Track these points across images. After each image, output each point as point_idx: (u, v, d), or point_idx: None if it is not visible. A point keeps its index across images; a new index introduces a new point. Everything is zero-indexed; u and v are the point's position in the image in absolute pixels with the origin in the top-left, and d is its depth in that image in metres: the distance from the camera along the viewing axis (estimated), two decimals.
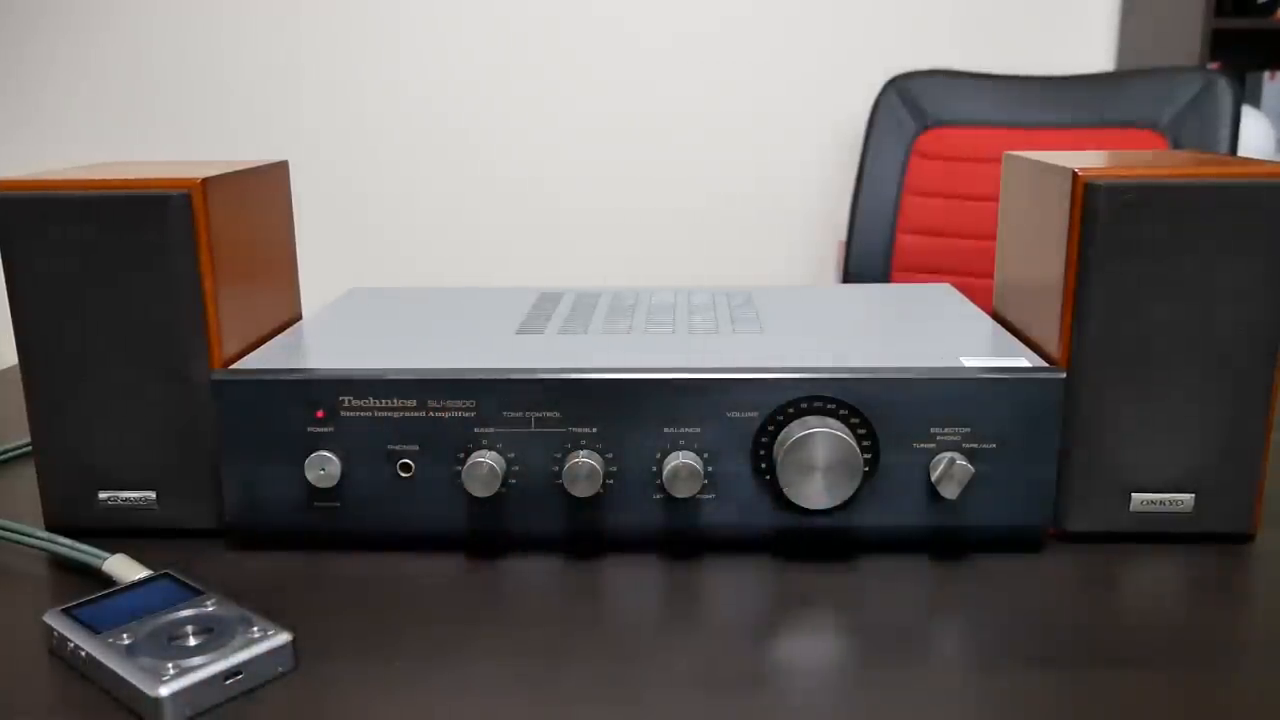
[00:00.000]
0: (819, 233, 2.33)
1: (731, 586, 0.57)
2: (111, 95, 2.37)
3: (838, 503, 0.57)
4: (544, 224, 2.38)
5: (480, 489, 0.57)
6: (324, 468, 0.58)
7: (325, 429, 0.58)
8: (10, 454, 0.76)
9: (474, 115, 2.33)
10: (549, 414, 0.58)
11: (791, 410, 0.58)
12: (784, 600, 0.55)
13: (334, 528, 0.60)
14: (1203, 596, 0.55)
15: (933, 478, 0.57)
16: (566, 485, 0.57)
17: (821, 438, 0.56)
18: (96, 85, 2.37)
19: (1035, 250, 0.64)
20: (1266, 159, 1.22)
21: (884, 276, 1.70)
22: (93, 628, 0.49)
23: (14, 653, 0.51)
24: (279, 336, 0.69)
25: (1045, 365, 0.60)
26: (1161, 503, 0.60)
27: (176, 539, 0.62)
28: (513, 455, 0.59)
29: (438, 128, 2.34)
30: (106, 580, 0.55)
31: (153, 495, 0.62)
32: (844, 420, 0.57)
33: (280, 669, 0.48)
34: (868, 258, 1.70)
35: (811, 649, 0.51)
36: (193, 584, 0.53)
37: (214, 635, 0.48)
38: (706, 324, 0.70)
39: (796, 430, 0.56)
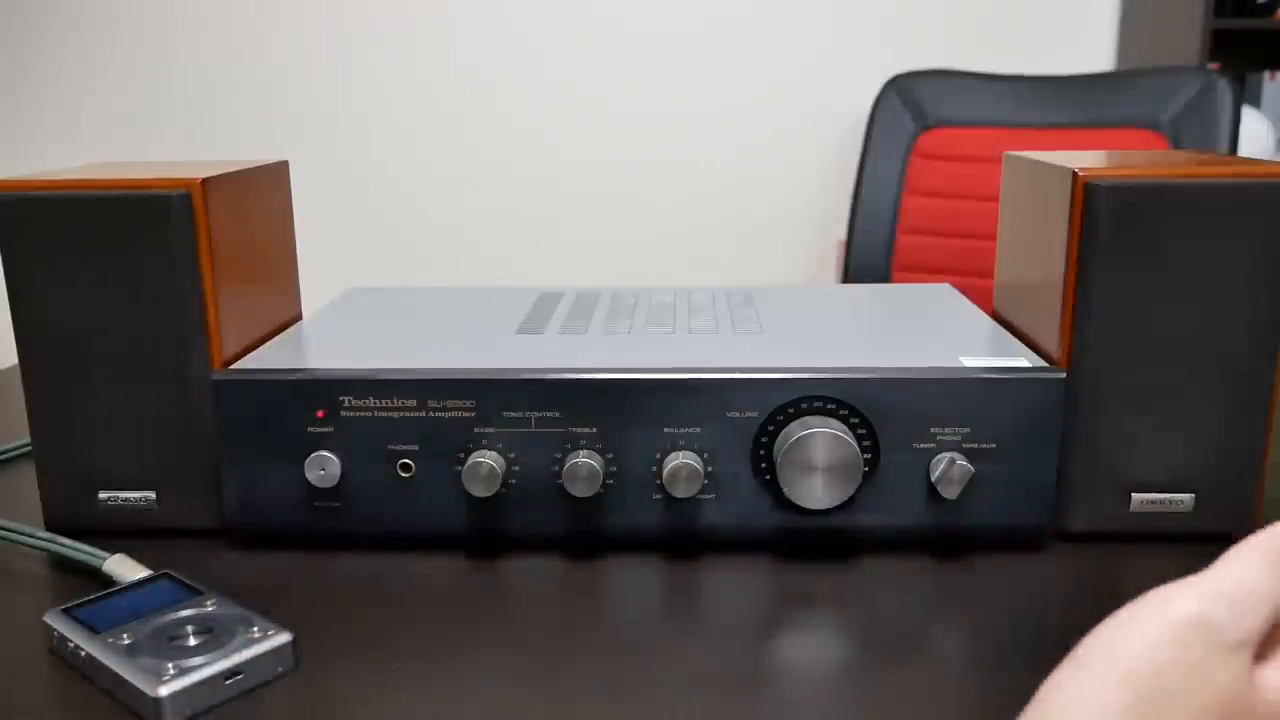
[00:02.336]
0: (819, 233, 2.33)
1: (731, 586, 0.57)
2: (111, 95, 2.37)
3: (838, 503, 0.57)
4: (544, 223, 2.37)
5: (480, 489, 0.57)
6: (324, 468, 0.58)
7: (325, 429, 0.58)
8: (10, 454, 0.76)
9: (473, 115, 2.32)
10: (549, 414, 0.58)
11: (791, 410, 0.58)
12: (784, 600, 0.55)
13: (334, 528, 0.60)
14: None
15: (933, 478, 0.57)
16: (566, 485, 0.57)
17: (821, 438, 0.56)
18: (96, 85, 2.37)
19: (1035, 250, 0.64)
20: (1266, 159, 1.22)
21: (884, 276, 1.70)
22: (93, 628, 0.49)
23: (14, 653, 0.51)
24: (279, 336, 0.69)
25: (1045, 365, 0.60)
26: (1161, 503, 0.60)
27: (176, 539, 0.62)
28: (513, 455, 0.58)
29: (437, 128, 2.33)
30: (106, 580, 0.55)
31: (153, 495, 0.62)
32: (844, 420, 0.57)
33: (280, 669, 0.48)
34: (868, 258, 1.69)
35: (811, 649, 0.51)
36: (193, 584, 0.53)
37: (214, 635, 0.48)
38: (706, 324, 0.70)
39: (796, 430, 0.56)
